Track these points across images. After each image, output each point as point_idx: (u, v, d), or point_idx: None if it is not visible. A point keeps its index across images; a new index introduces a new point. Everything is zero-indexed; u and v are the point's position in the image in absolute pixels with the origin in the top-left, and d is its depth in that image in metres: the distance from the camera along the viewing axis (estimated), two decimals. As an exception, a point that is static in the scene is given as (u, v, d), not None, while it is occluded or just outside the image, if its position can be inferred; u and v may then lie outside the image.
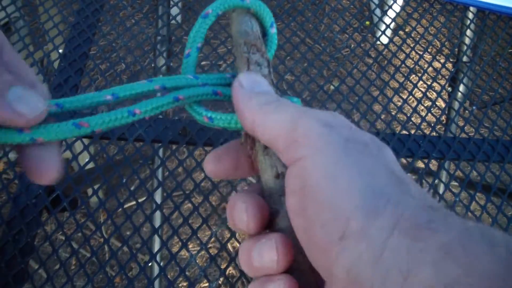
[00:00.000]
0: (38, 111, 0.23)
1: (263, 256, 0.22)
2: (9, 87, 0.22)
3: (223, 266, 0.47)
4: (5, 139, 0.22)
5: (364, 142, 0.21)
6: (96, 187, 0.51)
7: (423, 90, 0.61)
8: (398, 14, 0.72)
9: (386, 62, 0.63)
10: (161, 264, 0.46)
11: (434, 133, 0.57)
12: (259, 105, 0.23)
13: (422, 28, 0.70)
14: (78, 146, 0.76)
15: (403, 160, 0.56)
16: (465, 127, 0.59)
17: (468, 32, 0.67)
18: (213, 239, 1.15)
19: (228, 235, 0.49)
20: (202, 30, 0.28)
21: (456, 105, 0.63)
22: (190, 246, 1.09)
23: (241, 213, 0.23)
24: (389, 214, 0.18)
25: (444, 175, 0.60)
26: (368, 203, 0.18)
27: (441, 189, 0.57)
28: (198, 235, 0.48)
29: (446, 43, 0.67)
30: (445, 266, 0.16)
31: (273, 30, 0.31)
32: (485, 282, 0.15)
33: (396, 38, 0.68)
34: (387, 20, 0.68)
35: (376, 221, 0.18)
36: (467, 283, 0.15)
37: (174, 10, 0.75)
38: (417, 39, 0.65)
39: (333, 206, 0.19)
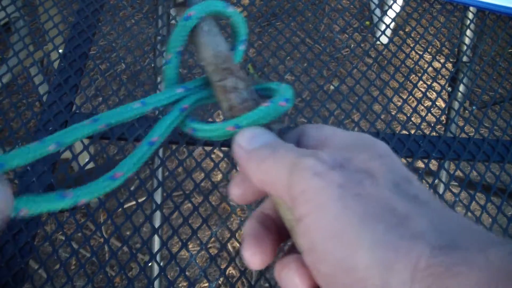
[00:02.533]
0: (10, 207, 0.20)
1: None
2: None
3: (223, 266, 0.47)
4: None
5: (358, 177, 0.20)
6: (96, 187, 0.51)
7: (423, 90, 0.61)
8: (398, 14, 0.72)
9: (386, 62, 0.63)
10: (161, 264, 0.46)
11: (434, 133, 0.57)
12: (258, 164, 0.22)
13: (422, 28, 0.70)
14: (78, 146, 0.76)
15: (403, 160, 0.56)
16: (465, 127, 0.59)
17: (468, 32, 0.67)
18: (213, 239, 1.15)
19: (228, 235, 0.49)
20: (183, 33, 0.26)
21: (456, 105, 0.63)
22: (190, 246, 1.09)
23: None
24: (403, 265, 0.18)
25: (444, 175, 0.60)
26: (379, 257, 0.18)
27: (441, 189, 0.57)
28: (198, 235, 0.48)
29: (446, 43, 0.67)
30: None
31: (243, 48, 0.29)
32: None
33: (396, 38, 0.68)
34: (387, 20, 0.68)
35: (393, 276, 0.18)
36: None
37: (174, 10, 0.75)
38: (417, 39, 0.65)
39: (346, 268, 0.19)
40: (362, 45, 0.65)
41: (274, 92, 0.26)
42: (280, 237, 0.25)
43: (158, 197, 0.64)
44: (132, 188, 0.49)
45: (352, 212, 0.19)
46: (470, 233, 0.19)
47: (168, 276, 0.45)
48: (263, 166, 0.22)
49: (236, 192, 0.25)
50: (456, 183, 0.54)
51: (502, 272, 0.16)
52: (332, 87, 0.99)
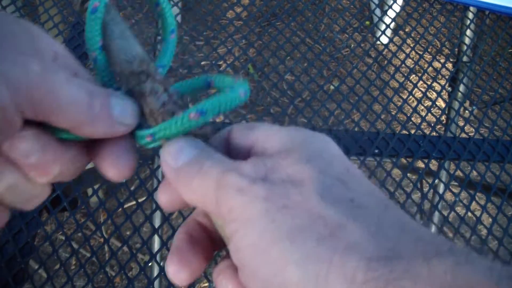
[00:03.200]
0: (137, 116, 0.22)
1: None
2: (109, 99, 0.21)
3: (223, 266, 0.47)
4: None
5: (284, 188, 0.19)
6: (96, 187, 0.51)
7: (423, 90, 0.61)
8: (398, 14, 0.72)
9: (386, 62, 0.63)
10: (161, 264, 0.46)
11: (434, 133, 0.57)
12: (186, 183, 0.21)
13: (422, 28, 0.70)
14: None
15: (403, 160, 0.56)
16: (465, 127, 0.59)
17: (468, 32, 0.67)
18: (213, 239, 1.15)
19: (228, 235, 0.49)
20: (96, 27, 0.25)
21: (456, 105, 0.63)
22: (190, 246, 1.09)
23: None
24: (337, 278, 0.17)
25: (444, 175, 0.60)
26: (310, 270, 0.17)
27: (441, 189, 0.57)
28: (198, 235, 0.48)
29: (446, 43, 0.67)
30: None
31: (173, 37, 0.28)
32: None
33: (396, 38, 0.68)
34: (387, 20, 0.68)
35: None
36: None
37: (174, 10, 0.75)
38: (417, 39, 0.65)
39: (276, 285, 0.18)
40: (362, 45, 0.65)
41: (220, 85, 0.25)
42: (214, 245, 0.24)
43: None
44: (132, 188, 0.49)
45: (279, 226, 0.18)
46: (413, 239, 0.17)
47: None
48: (191, 185, 0.21)
49: (164, 199, 0.24)
50: (456, 183, 0.54)
51: (446, 286, 0.15)
52: (332, 87, 0.99)
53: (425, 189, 0.82)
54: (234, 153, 0.23)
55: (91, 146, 0.23)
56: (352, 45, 0.66)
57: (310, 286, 0.17)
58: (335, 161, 0.20)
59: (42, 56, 0.21)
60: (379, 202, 0.19)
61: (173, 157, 0.22)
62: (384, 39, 0.71)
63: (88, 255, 0.78)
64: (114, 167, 0.22)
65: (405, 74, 0.61)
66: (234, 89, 0.23)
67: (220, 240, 0.23)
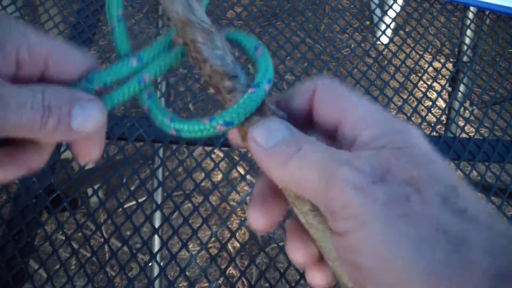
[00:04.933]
0: (100, 123, 0.22)
1: None
2: (72, 109, 0.21)
3: (223, 266, 0.47)
4: None
5: (403, 193, 0.18)
6: (96, 187, 0.51)
7: (423, 90, 0.61)
8: (398, 14, 0.72)
9: (386, 62, 0.63)
10: (161, 264, 0.46)
11: (434, 133, 0.57)
12: (282, 165, 0.20)
13: (422, 28, 0.70)
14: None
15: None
16: (465, 127, 0.59)
17: (468, 32, 0.67)
18: (213, 239, 1.15)
19: (228, 235, 0.49)
20: None
21: (456, 105, 0.63)
22: (190, 246, 1.09)
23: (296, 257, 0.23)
24: None
25: (444, 175, 0.60)
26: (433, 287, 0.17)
27: (441, 189, 0.57)
28: (198, 235, 0.48)
29: (446, 43, 0.67)
30: None
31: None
32: None
33: (396, 38, 0.68)
34: (387, 20, 0.68)
35: None
36: None
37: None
38: (417, 39, 0.65)
39: None
40: (362, 45, 0.65)
41: (249, 53, 0.24)
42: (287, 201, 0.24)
43: (158, 197, 0.64)
44: (132, 188, 0.49)
45: (403, 235, 0.17)
46: None
47: (168, 276, 0.45)
48: (288, 167, 0.20)
49: (260, 221, 0.23)
50: (456, 183, 0.54)
51: None
52: (332, 87, 0.98)
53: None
54: (317, 121, 0.23)
55: None
56: (352, 45, 0.66)
57: None
58: (446, 166, 0.20)
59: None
60: (486, 212, 0.19)
61: (265, 136, 0.21)
62: (384, 39, 0.71)
63: (88, 255, 0.78)
64: (83, 151, 0.24)
65: (405, 74, 0.61)
66: (260, 84, 0.22)
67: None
